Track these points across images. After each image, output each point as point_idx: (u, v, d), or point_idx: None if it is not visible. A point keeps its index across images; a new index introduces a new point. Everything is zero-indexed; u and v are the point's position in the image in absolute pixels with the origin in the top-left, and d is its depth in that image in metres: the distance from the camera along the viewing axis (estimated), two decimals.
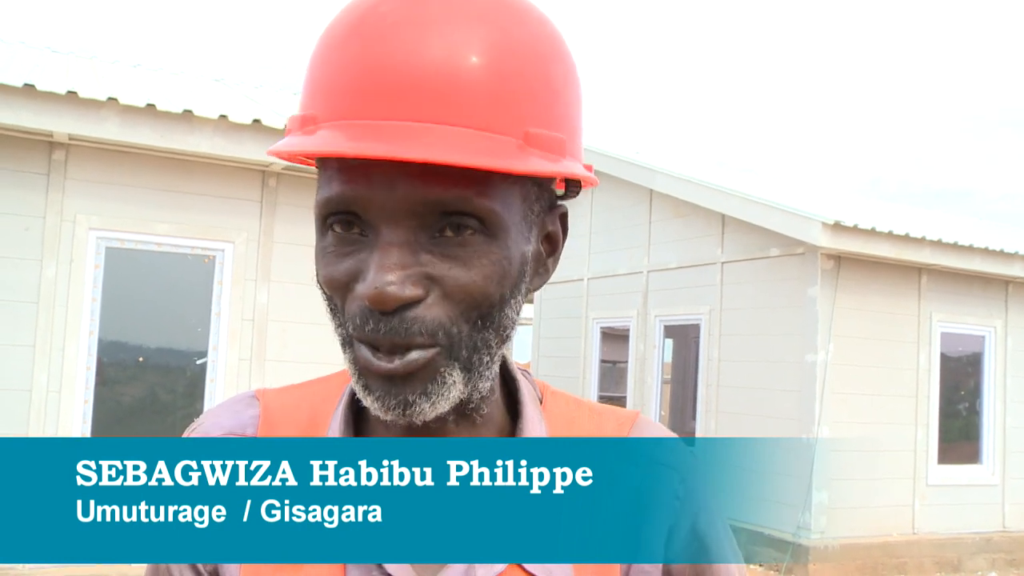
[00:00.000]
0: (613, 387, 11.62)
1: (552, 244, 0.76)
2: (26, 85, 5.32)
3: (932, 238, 8.19)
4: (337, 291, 0.68)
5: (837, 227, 7.62)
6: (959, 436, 8.95)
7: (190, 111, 5.72)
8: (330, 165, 0.67)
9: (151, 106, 5.62)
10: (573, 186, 0.77)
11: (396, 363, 0.65)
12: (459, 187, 0.64)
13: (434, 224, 0.65)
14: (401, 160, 0.62)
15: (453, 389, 0.68)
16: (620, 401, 10.68)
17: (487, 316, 0.68)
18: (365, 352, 0.67)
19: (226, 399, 0.81)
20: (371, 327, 0.65)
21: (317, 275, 0.70)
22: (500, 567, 0.69)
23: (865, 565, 7.90)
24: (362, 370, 0.68)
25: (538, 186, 0.72)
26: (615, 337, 11.17)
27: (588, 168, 0.74)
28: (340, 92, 0.66)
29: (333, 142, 0.64)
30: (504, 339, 0.71)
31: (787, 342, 8.20)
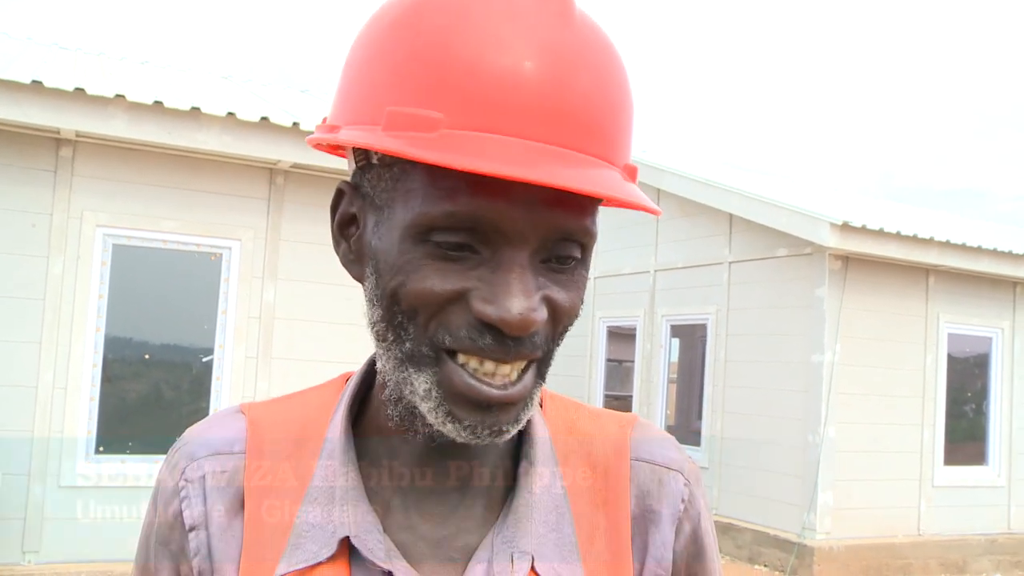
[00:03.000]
0: (619, 386, 11.62)
1: None
2: (34, 82, 5.33)
3: (940, 239, 8.17)
4: (430, 305, 0.64)
5: (845, 227, 7.60)
6: (965, 437, 8.92)
7: (197, 108, 5.72)
8: (452, 176, 0.62)
9: (158, 103, 5.63)
10: None
11: (510, 390, 0.65)
12: (583, 216, 0.65)
13: (548, 249, 0.65)
14: (578, 192, 0.61)
15: (533, 407, 0.69)
16: (626, 400, 10.67)
17: (564, 334, 0.70)
18: (466, 378, 0.64)
19: (210, 415, 0.80)
20: (488, 342, 0.63)
21: (397, 286, 0.65)
22: (521, 570, 0.69)
23: (870, 566, 7.88)
24: (457, 396, 0.65)
25: None
26: (621, 336, 11.17)
27: None
28: (482, 102, 0.61)
29: (502, 161, 0.59)
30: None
31: (794, 342, 8.19)
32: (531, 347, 0.65)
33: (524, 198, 0.61)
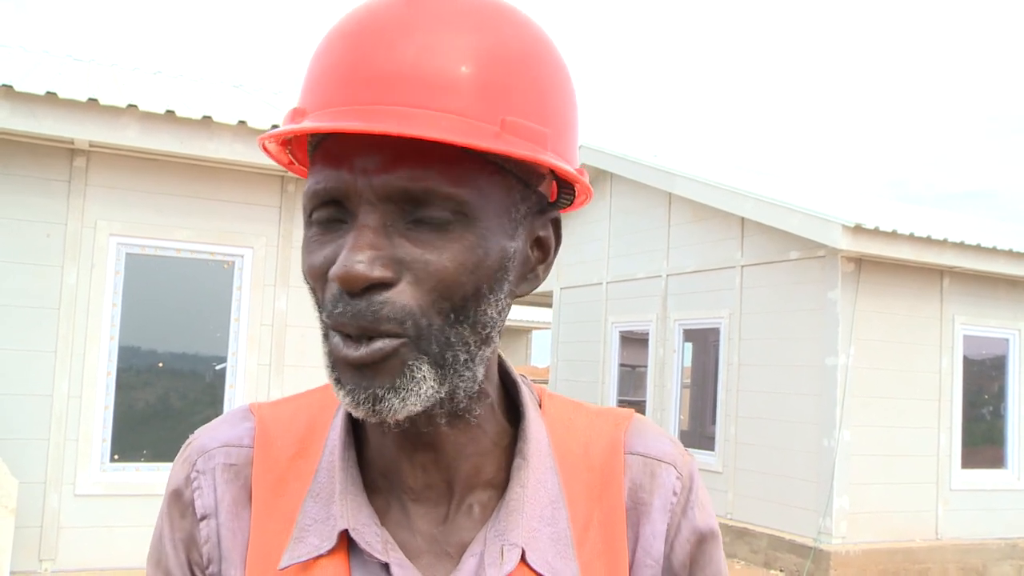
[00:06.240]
0: (632, 391, 11.59)
1: (543, 251, 0.75)
2: (48, 93, 5.37)
3: (954, 240, 8.12)
4: (318, 279, 0.68)
5: (858, 229, 7.56)
6: (983, 440, 8.86)
7: (209, 117, 5.75)
8: (317, 160, 0.68)
9: (171, 113, 5.67)
10: (566, 194, 0.76)
11: (362, 351, 0.64)
12: (433, 174, 0.64)
13: (410, 211, 0.65)
14: (368, 132, 0.63)
15: (423, 385, 0.66)
16: (640, 405, 10.64)
17: (461, 309, 0.67)
18: (336, 340, 0.66)
19: (221, 415, 0.82)
20: (339, 310, 0.65)
21: (302, 267, 0.70)
22: (509, 567, 0.69)
23: (887, 571, 7.83)
24: (333, 361, 0.67)
25: (524, 185, 0.71)
26: (634, 341, 11.15)
27: (580, 172, 0.73)
28: (325, 83, 0.68)
29: (309, 122, 0.65)
30: (484, 338, 0.69)
31: (807, 346, 8.15)
32: (372, 316, 0.64)
33: (361, 164, 0.65)
